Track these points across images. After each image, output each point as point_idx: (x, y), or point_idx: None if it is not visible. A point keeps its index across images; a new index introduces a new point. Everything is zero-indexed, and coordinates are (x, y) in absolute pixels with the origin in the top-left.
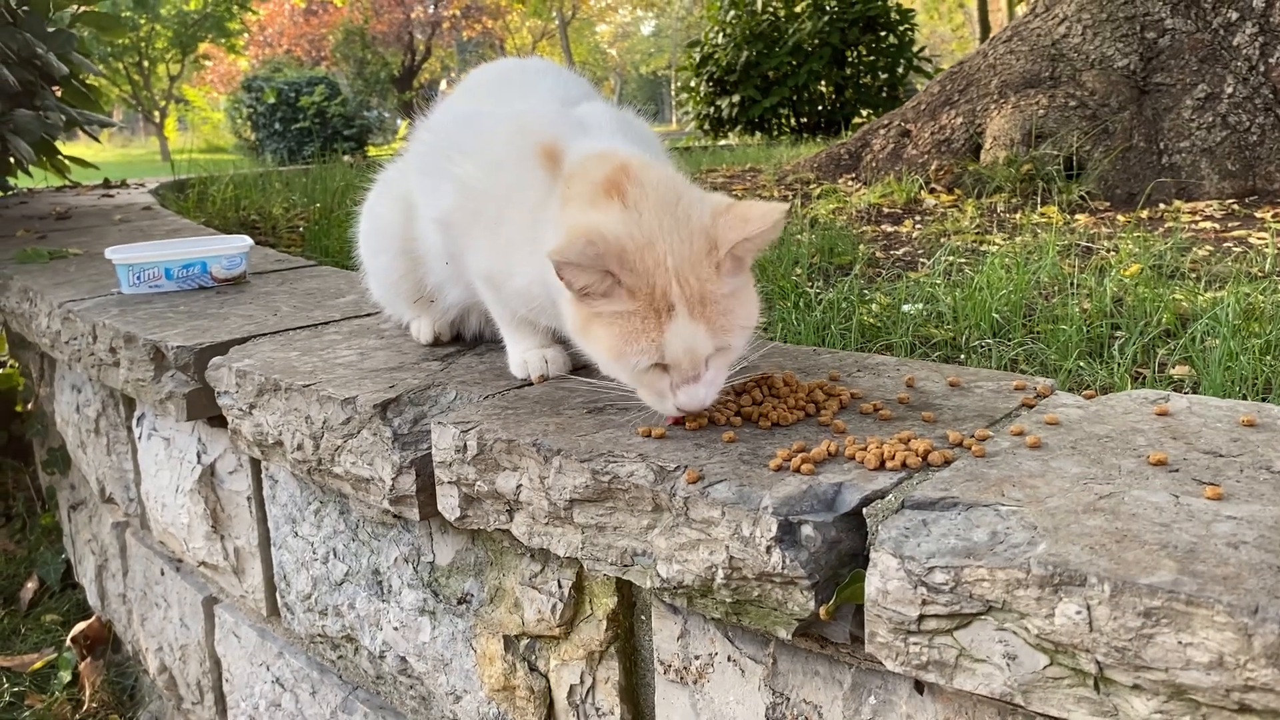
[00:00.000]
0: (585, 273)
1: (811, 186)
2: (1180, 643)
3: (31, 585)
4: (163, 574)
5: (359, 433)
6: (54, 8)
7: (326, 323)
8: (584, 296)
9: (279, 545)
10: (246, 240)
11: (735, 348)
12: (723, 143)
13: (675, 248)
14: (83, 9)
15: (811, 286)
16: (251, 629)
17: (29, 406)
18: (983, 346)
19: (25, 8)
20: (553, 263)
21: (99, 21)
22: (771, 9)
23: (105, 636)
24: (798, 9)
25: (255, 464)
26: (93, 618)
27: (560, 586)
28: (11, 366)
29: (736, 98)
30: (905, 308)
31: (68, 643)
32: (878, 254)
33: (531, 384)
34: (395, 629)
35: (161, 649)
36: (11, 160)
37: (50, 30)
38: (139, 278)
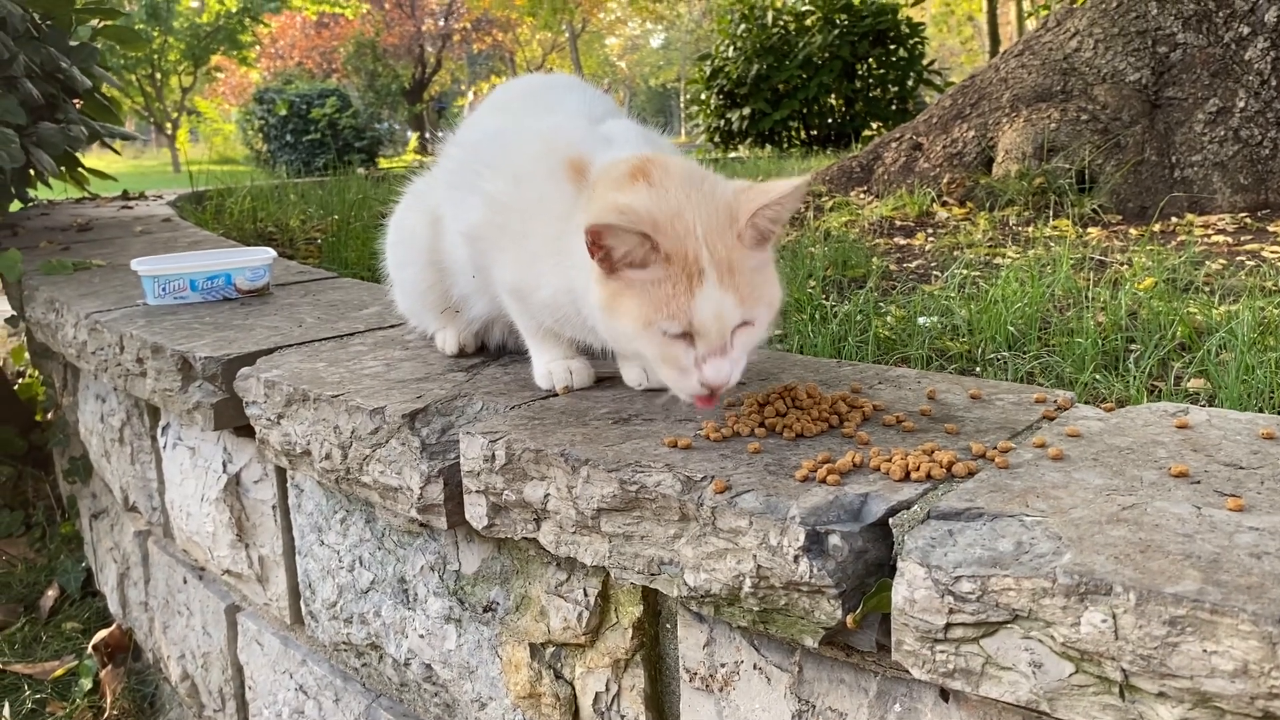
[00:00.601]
0: (624, 237)
1: (823, 199)
2: (1205, 651)
3: (52, 593)
4: (185, 582)
5: (387, 442)
6: (76, 22)
7: (351, 334)
8: (617, 269)
9: (304, 554)
10: (270, 252)
11: (759, 325)
12: (733, 155)
13: (703, 217)
14: (103, 23)
15: (826, 299)
16: (275, 637)
17: (49, 416)
18: (999, 359)
19: (49, 22)
20: (588, 234)
21: (119, 35)
22: (782, 23)
23: (126, 644)
24: (808, 23)
25: (280, 473)
26: (113, 625)
27: (586, 595)
28: (32, 376)
29: (747, 110)
30: (921, 320)
31: (89, 650)
32: (891, 267)
33: (556, 395)
34: (421, 637)
35: (184, 656)
36: (32, 172)
37: (73, 44)
38: (164, 289)
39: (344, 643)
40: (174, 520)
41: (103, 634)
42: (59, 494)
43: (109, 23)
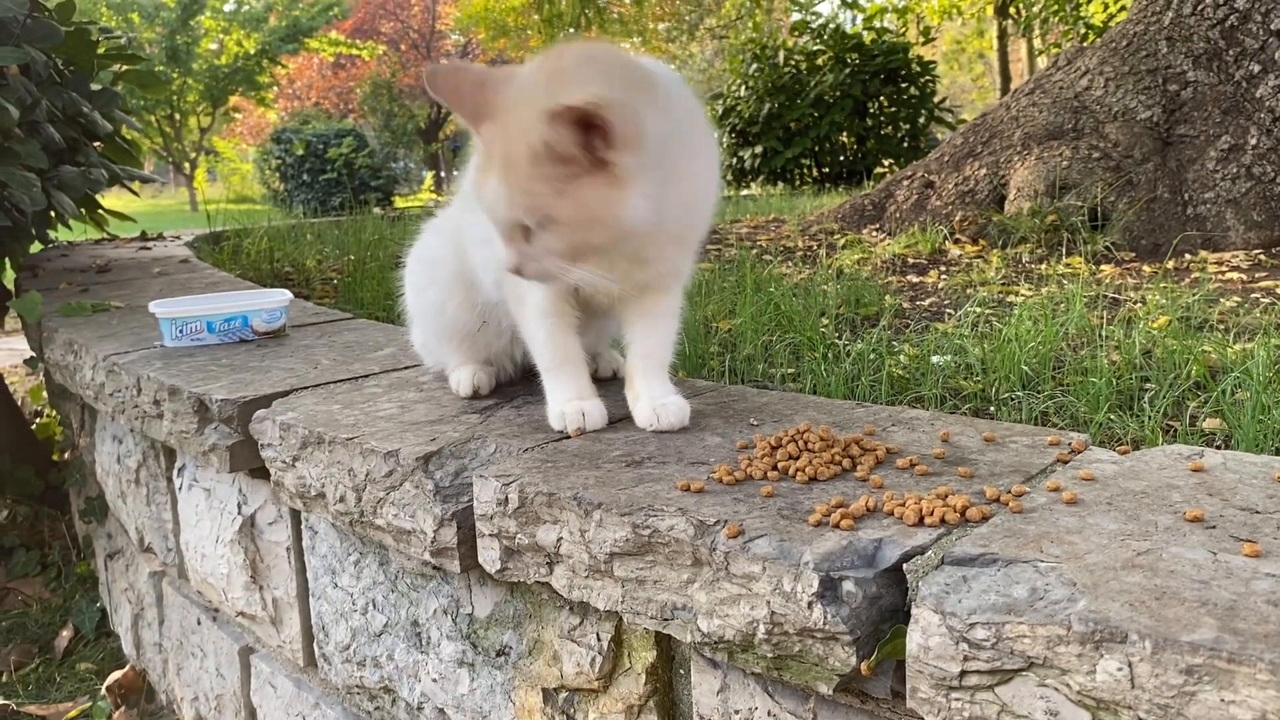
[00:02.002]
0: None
1: (836, 237)
2: (1223, 700)
3: (66, 633)
4: (199, 623)
5: (401, 485)
6: (98, 67)
7: (366, 375)
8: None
9: (318, 596)
10: (286, 294)
11: (560, 236)
12: (745, 193)
13: (522, 118)
14: (125, 68)
15: (840, 338)
16: (288, 679)
17: (66, 456)
18: (1013, 399)
19: (71, 68)
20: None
21: (140, 80)
22: (793, 62)
23: (140, 685)
24: (819, 62)
25: (295, 515)
26: (127, 666)
27: (599, 639)
28: (49, 416)
29: (759, 148)
30: (934, 359)
31: (102, 691)
32: (904, 305)
33: (569, 437)
34: (434, 680)
35: (197, 698)
36: (52, 214)
37: (95, 89)
38: (181, 331)
39: (357, 686)
40: (189, 561)
41: (116, 675)
42: (75, 534)
43: (130, 68)
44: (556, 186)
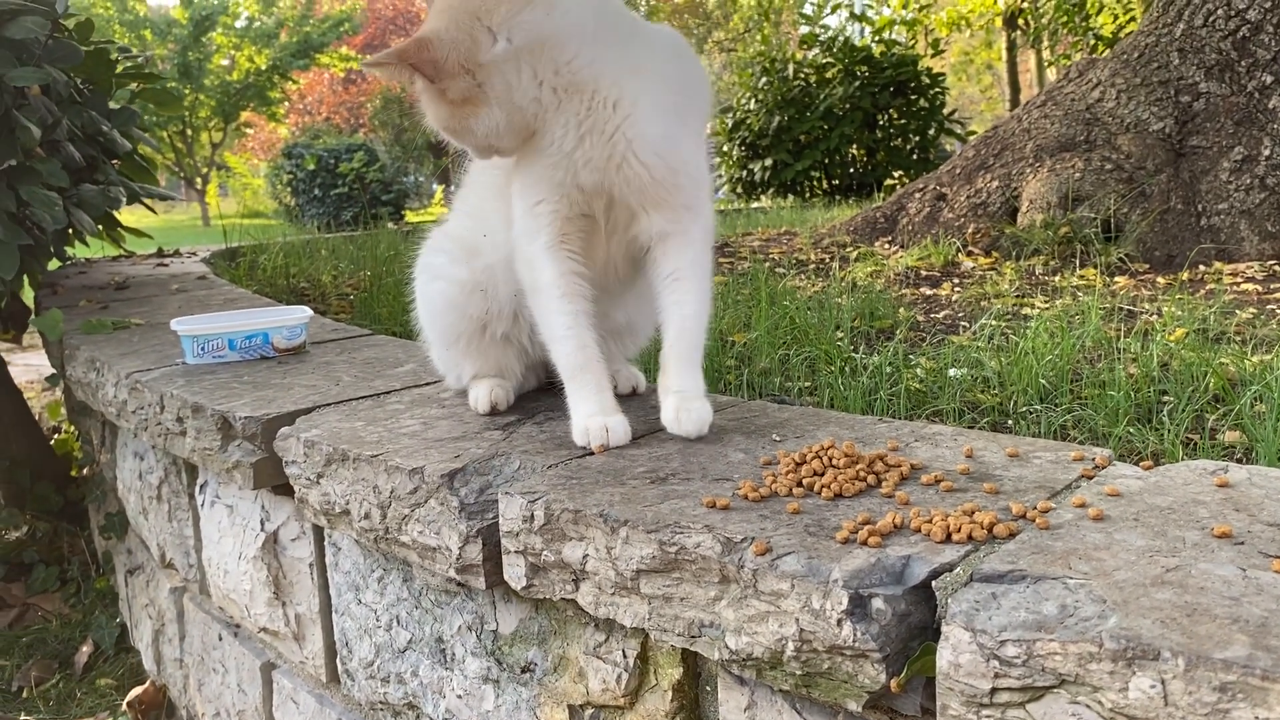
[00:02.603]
0: None
1: (848, 249)
2: (1257, 717)
3: (86, 649)
4: (221, 639)
5: (426, 502)
6: (115, 86)
7: (388, 392)
8: None
9: (341, 612)
10: (306, 311)
11: (459, 140)
12: (755, 205)
13: None
14: (142, 87)
15: (855, 351)
16: (310, 695)
17: (85, 472)
18: (1031, 412)
19: (90, 87)
20: None
21: (157, 98)
22: (803, 75)
23: (160, 701)
24: (828, 75)
25: (318, 531)
26: (147, 682)
27: (625, 656)
28: (67, 432)
29: (769, 161)
30: (951, 373)
31: (123, 707)
32: (918, 318)
33: (592, 454)
34: (459, 697)
35: (219, 714)
36: (70, 232)
37: (113, 108)
38: (203, 348)
39: (381, 702)
40: (210, 577)
41: (137, 691)
42: (94, 549)
43: (147, 86)
44: (424, 103)
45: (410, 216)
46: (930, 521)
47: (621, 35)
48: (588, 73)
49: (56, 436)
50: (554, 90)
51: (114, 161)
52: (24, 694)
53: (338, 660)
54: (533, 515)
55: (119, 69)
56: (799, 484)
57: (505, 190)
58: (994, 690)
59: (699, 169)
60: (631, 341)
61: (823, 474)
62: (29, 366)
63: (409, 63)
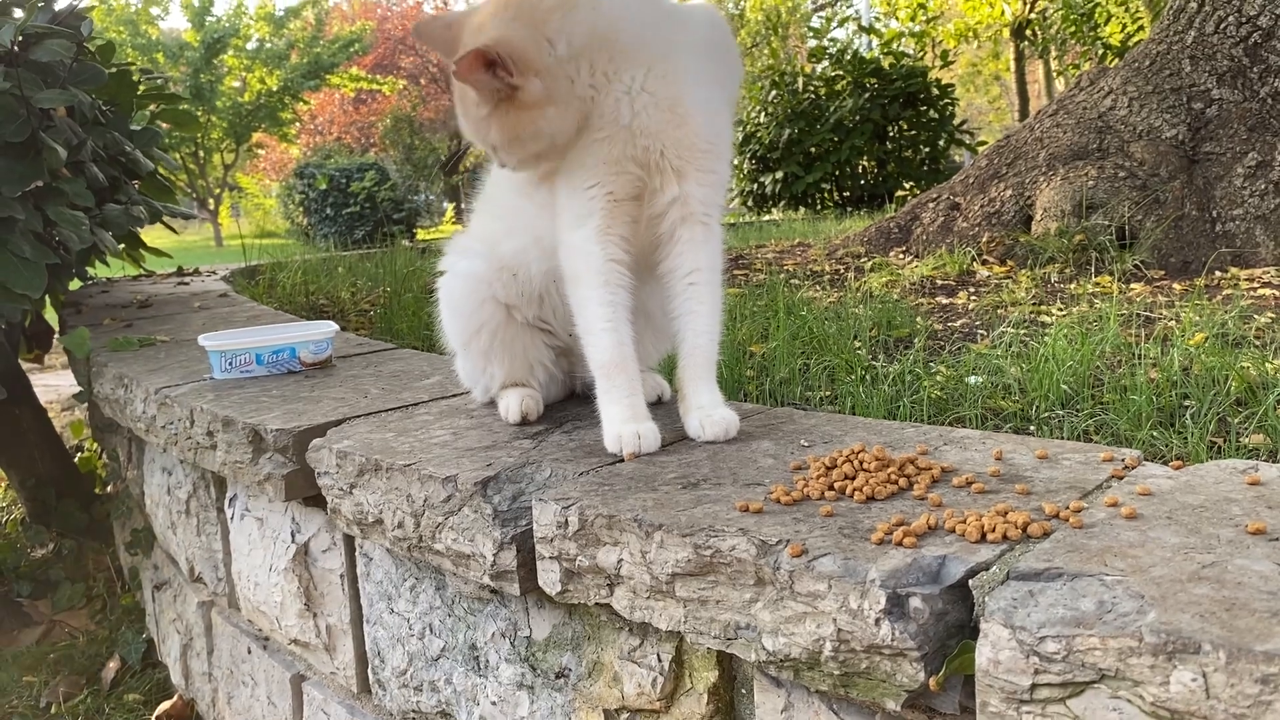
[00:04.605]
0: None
1: (863, 260)
2: None
3: (113, 665)
4: (250, 652)
5: (460, 510)
6: (136, 107)
7: (416, 404)
8: None
9: (373, 622)
10: (332, 326)
11: (506, 150)
12: (767, 218)
13: None
14: (162, 107)
15: (875, 360)
16: (341, 705)
17: (110, 489)
18: (1053, 417)
19: (112, 108)
20: None
21: (176, 118)
22: (812, 88)
23: (188, 715)
24: (838, 88)
25: (349, 542)
26: (175, 697)
27: (660, 660)
28: (90, 450)
29: (780, 174)
30: (970, 380)
31: None
32: (936, 326)
33: (621, 460)
34: (493, 704)
35: None
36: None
37: (136, 129)
38: (231, 363)
39: (413, 710)
40: (240, 590)
41: (165, 706)
42: (119, 566)
43: (167, 107)
44: (487, 120)
45: (422, 235)
46: (964, 522)
47: (663, 10)
48: (637, 51)
49: (80, 455)
50: (605, 75)
51: (134, 181)
52: (53, 709)
53: (369, 670)
54: (567, 521)
55: (141, 90)
56: (830, 487)
57: (528, 184)
58: (1034, 686)
59: (727, 138)
60: (658, 341)
61: (854, 477)
62: (48, 387)
63: (496, 52)
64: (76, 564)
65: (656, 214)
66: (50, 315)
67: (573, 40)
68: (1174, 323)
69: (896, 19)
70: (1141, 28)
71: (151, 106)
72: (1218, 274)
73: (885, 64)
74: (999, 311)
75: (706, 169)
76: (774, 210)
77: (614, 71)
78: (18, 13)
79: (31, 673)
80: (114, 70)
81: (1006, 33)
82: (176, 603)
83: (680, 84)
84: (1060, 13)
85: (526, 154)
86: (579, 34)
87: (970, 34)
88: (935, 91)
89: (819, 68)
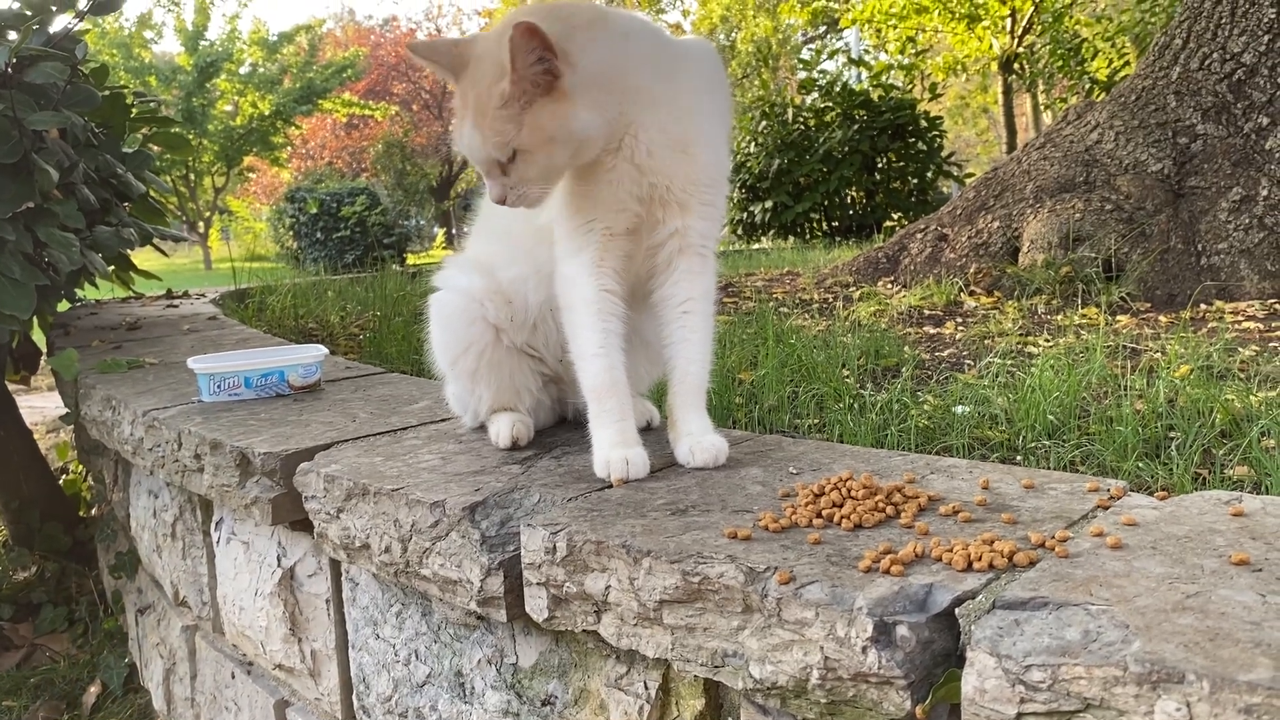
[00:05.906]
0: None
1: (851, 289)
2: None
3: (94, 690)
4: (233, 677)
5: (447, 535)
6: (129, 130)
7: (404, 428)
8: None
9: (358, 647)
10: (321, 349)
11: (527, 160)
12: (756, 246)
13: (486, 69)
14: (154, 130)
15: (863, 389)
16: None
17: (94, 512)
18: (1040, 448)
19: (105, 130)
20: None
21: (168, 141)
22: (802, 119)
23: None
24: (827, 119)
25: (335, 567)
26: None
27: (647, 688)
28: (75, 472)
29: (769, 203)
30: (957, 409)
31: None
32: (924, 356)
33: (610, 486)
34: None
35: None
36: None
37: (128, 151)
38: (219, 386)
39: None
40: (225, 614)
41: None
42: (102, 589)
43: (160, 130)
44: (516, 119)
45: (412, 260)
46: (951, 550)
47: (670, 48)
48: (650, 89)
49: (65, 477)
50: (620, 109)
51: (125, 204)
52: None
53: (354, 696)
54: (555, 547)
55: (133, 113)
56: (818, 515)
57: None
58: (1020, 715)
59: (727, 171)
60: (651, 366)
61: (842, 505)
62: (34, 409)
63: (544, 32)
64: (59, 587)
65: (655, 244)
66: (38, 336)
67: (594, 62)
68: (1159, 355)
69: (886, 52)
70: (1128, 63)
71: (144, 129)
72: (1203, 307)
73: (874, 96)
74: (986, 342)
75: (708, 202)
76: (763, 239)
77: (628, 106)
78: (12, 35)
79: (11, 697)
80: (107, 93)
81: (995, 66)
82: (160, 627)
83: (689, 122)
84: (1048, 48)
85: (551, 164)
86: (599, 58)
87: (959, 67)
88: (924, 124)
89: (809, 99)
